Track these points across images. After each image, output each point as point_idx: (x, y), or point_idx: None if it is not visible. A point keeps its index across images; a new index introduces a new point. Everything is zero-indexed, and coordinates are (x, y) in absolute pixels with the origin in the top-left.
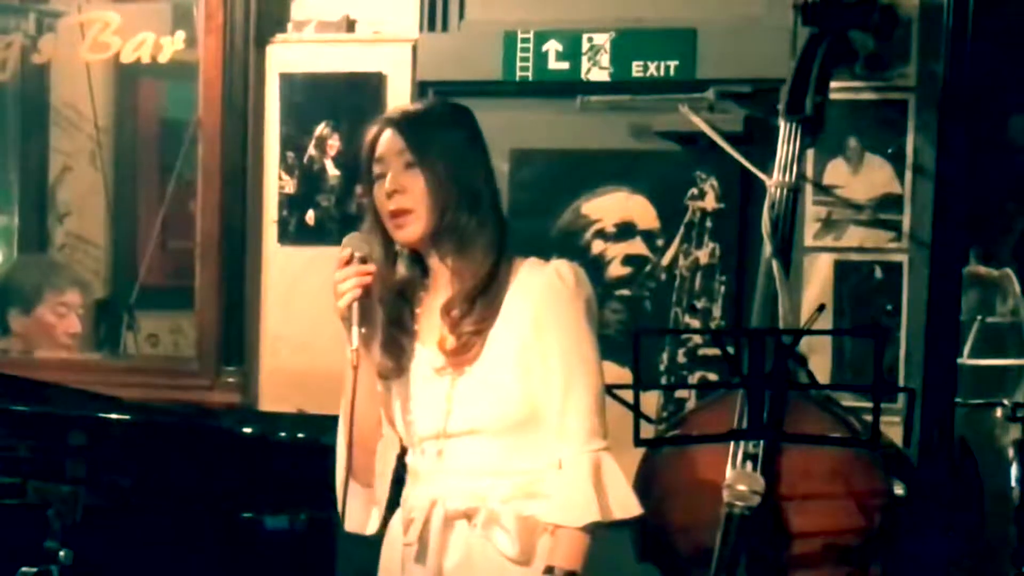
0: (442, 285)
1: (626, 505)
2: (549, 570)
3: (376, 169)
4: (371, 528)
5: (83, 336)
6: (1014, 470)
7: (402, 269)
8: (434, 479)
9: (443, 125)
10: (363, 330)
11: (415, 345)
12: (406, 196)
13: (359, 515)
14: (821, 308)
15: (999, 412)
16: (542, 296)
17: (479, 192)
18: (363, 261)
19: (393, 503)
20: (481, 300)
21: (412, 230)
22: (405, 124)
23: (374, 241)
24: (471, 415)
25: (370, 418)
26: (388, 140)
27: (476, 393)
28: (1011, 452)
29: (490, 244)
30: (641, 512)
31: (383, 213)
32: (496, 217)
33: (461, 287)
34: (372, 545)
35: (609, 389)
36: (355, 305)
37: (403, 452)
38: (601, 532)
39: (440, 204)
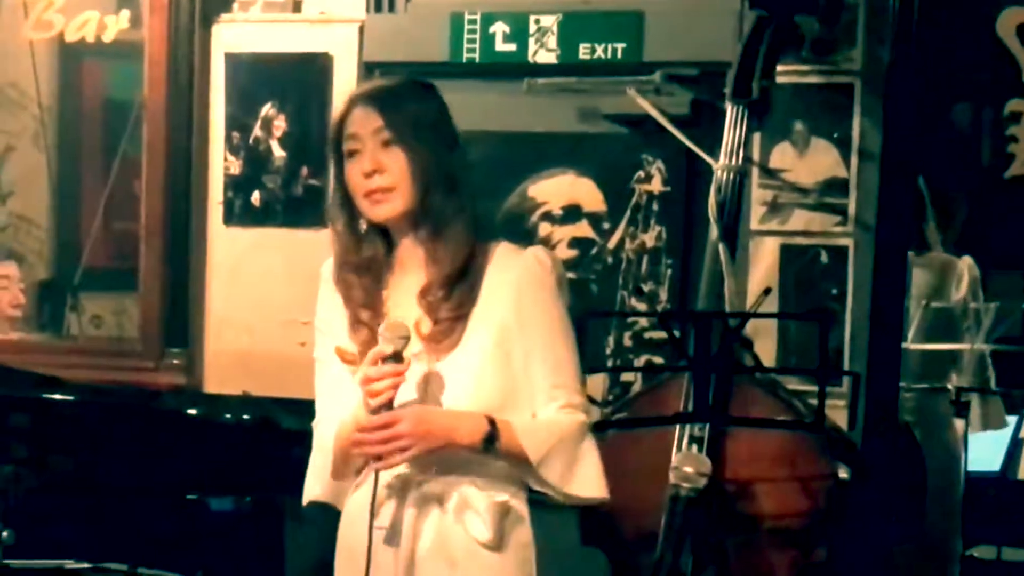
0: (414, 267)
1: (594, 485)
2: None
3: (348, 146)
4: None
5: (27, 316)
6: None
7: (367, 246)
8: (408, 462)
9: (417, 101)
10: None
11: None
12: (386, 175)
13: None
14: (767, 291)
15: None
16: (523, 281)
17: (456, 172)
18: (398, 357)
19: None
20: (460, 284)
21: (390, 207)
22: (381, 101)
23: (401, 331)
24: (448, 400)
25: None
26: (362, 117)
27: (454, 378)
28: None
29: (467, 227)
30: (606, 496)
31: (356, 191)
32: (470, 199)
33: (439, 271)
34: (320, 527)
35: None
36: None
37: None
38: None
39: (422, 182)
